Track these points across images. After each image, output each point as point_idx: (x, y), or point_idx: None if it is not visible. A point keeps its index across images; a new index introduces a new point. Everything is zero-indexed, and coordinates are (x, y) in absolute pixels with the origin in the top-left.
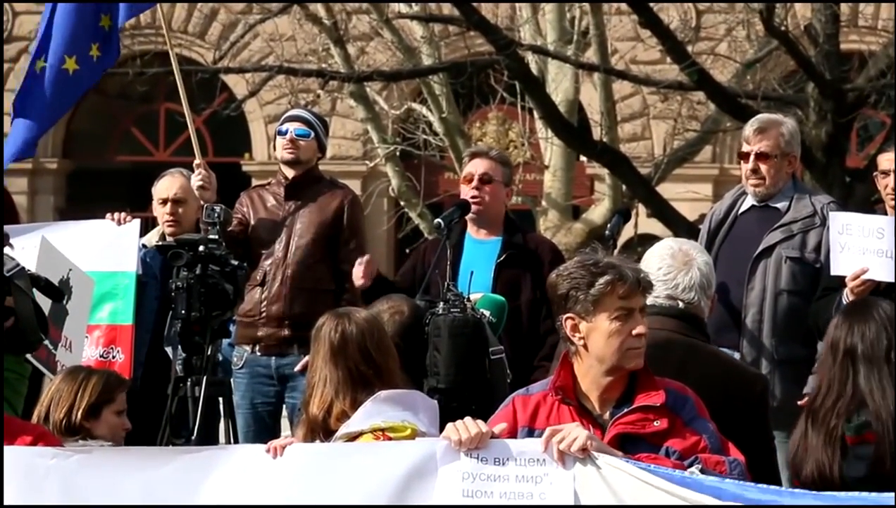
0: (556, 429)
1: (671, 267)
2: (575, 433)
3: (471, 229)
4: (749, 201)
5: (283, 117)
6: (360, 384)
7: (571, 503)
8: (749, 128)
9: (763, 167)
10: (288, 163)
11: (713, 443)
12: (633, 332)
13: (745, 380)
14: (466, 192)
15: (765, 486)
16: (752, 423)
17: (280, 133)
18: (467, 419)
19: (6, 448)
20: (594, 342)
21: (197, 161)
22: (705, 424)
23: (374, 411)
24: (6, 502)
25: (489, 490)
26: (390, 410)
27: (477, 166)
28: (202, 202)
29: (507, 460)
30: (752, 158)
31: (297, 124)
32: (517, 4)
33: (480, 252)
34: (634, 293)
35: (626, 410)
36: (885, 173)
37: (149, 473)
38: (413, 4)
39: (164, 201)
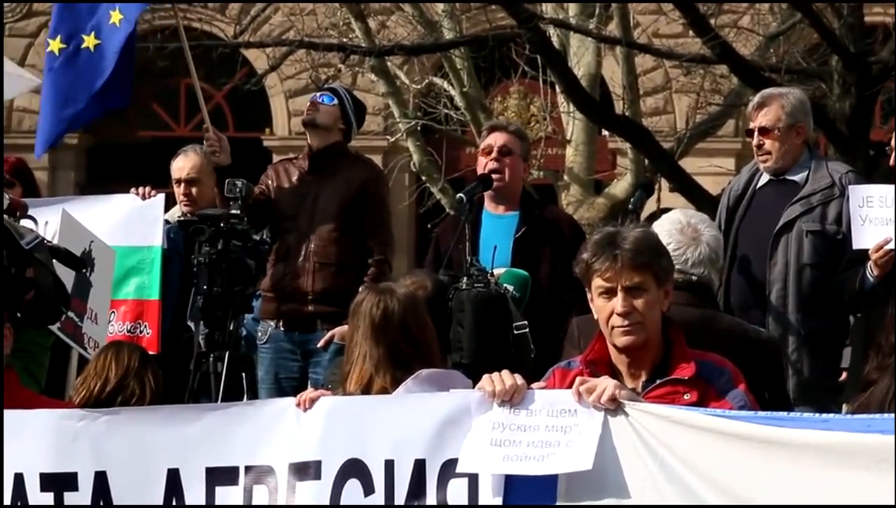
0: (584, 380)
1: (680, 242)
2: (603, 384)
3: (488, 205)
4: (766, 176)
5: None
6: (399, 362)
7: (594, 450)
8: (750, 104)
9: (767, 142)
10: (306, 125)
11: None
12: (615, 311)
13: (758, 346)
14: (485, 164)
15: (797, 415)
16: (770, 388)
17: None
18: (504, 371)
19: (33, 413)
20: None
21: (205, 125)
22: (741, 396)
23: (416, 389)
24: (41, 468)
25: (517, 439)
26: (430, 388)
27: (496, 139)
28: (218, 177)
29: (538, 410)
30: (755, 133)
31: (324, 92)
32: None
33: (499, 227)
34: (615, 271)
35: (655, 384)
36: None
37: (178, 430)
38: None
39: (179, 182)
